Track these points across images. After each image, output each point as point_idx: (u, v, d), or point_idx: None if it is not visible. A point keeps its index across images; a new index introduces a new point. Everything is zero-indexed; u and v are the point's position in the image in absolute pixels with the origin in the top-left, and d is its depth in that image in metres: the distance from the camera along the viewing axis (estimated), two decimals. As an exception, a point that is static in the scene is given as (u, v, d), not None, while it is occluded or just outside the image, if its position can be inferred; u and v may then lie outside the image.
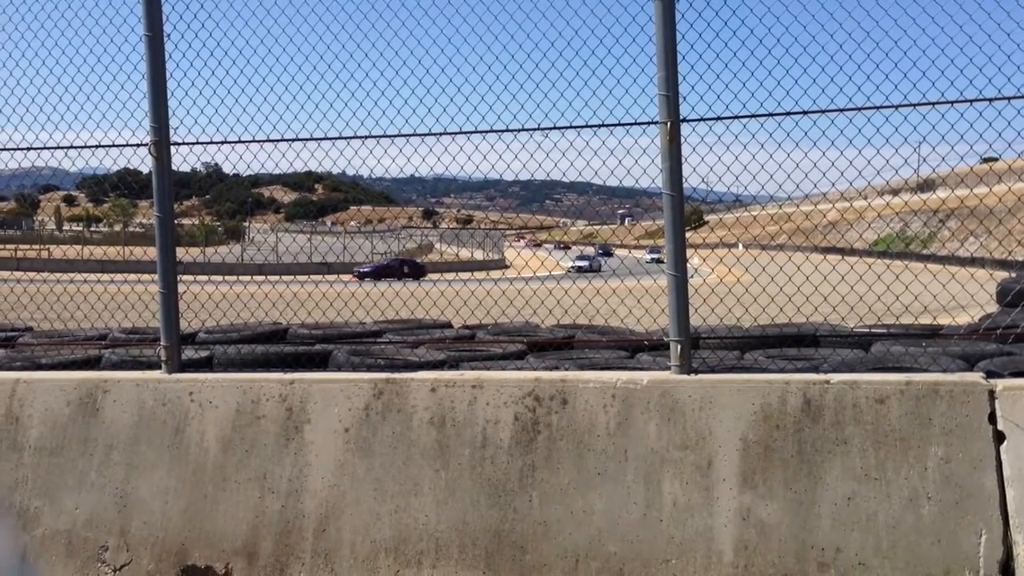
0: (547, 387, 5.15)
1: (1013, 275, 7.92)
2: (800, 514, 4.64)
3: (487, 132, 5.87)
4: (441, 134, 5.97)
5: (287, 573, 5.11)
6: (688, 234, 5.66)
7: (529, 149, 6.03)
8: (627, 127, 5.76)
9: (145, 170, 5.99)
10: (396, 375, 5.43)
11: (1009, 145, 5.43)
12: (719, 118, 5.49)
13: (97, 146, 6.32)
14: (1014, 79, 5.29)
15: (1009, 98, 5.13)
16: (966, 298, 6.69)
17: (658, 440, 4.91)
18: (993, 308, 7.65)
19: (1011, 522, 4.40)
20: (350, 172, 6.87)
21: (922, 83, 5.43)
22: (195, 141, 6.04)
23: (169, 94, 5.84)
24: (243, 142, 6.05)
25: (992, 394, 4.59)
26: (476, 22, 6.26)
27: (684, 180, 5.26)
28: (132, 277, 7.39)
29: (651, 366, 5.85)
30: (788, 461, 4.72)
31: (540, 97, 6.11)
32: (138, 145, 5.95)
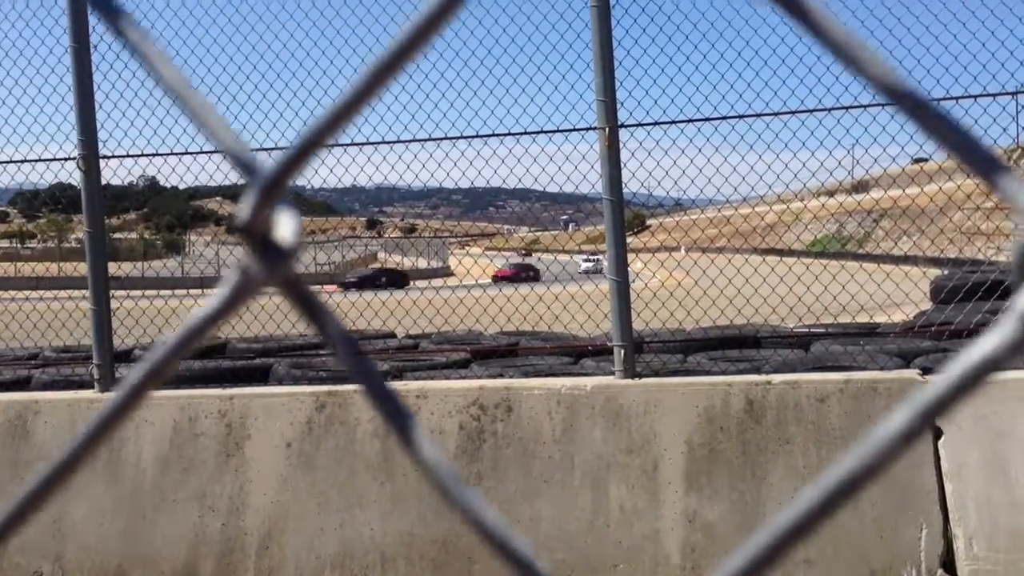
0: (492, 395, 5.11)
1: (946, 272, 8.10)
2: (745, 514, 4.67)
3: (426, 140, 5.84)
4: (380, 143, 5.92)
5: (230, 593, 4.99)
6: (629, 239, 5.68)
7: (469, 157, 6.01)
8: (566, 133, 5.78)
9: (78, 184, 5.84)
10: (338, 388, 5.35)
11: (939, 146, 5.54)
12: (657, 123, 5.53)
13: (23, 161, 6.13)
14: (943, 81, 5.42)
15: (939, 99, 5.25)
16: (901, 296, 6.82)
17: (604, 445, 4.90)
18: (927, 305, 7.81)
19: (950, 516, 4.47)
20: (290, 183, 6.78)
21: (854, 86, 5.52)
22: (125, 154, 5.90)
23: (98, 106, 5.69)
24: (175, 154, 5.93)
25: (928, 390, 4.66)
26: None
27: (624, 185, 5.28)
28: (63, 294, 7.19)
29: (595, 371, 5.85)
30: (732, 462, 4.76)
31: (478, 105, 6.10)
32: (65, 159, 5.80)
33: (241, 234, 0.42)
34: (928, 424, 0.38)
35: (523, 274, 21.41)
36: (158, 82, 0.48)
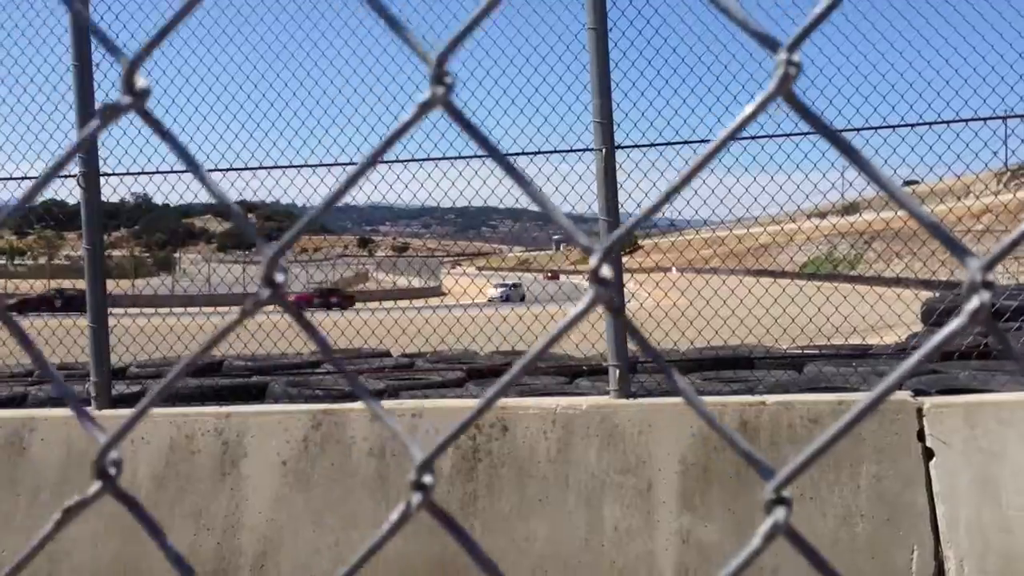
0: (487, 415, 5.13)
1: (937, 294, 8.16)
2: (739, 534, 4.69)
3: (423, 160, 5.89)
4: (377, 162, 5.96)
5: (224, 612, 4.99)
6: (623, 259, 5.72)
7: (466, 176, 6.06)
8: (563, 154, 5.83)
9: (72, 201, 5.86)
10: (334, 406, 5.37)
11: (931, 169, 5.63)
12: (653, 144, 5.60)
13: (23, 178, 6.16)
14: (934, 105, 5.50)
15: (930, 123, 5.32)
16: (893, 318, 6.88)
17: (599, 465, 4.93)
18: (919, 327, 7.86)
19: (942, 538, 4.50)
20: (284, 201, 6.82)
21: (847, 109, 5.61)
22: (125, 171, 5.94)
23: (97, 124, 5.72)
24: (175, 172, 5.97)
25: (920, 412, 4.71)
26: (411, 51, 6.29)
27: (620, 206, 5.33)
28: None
29: (590, 391, 5.88)
30: (726, 482, 4.78)
31: (476, 124, 6.16)
32: (66, 176, 5.82)
33: (591, 274, 0.71)
34: (906, 379, 0.67)
35: (317, 299, 18.25)
36: (540, 206, 0.79)
